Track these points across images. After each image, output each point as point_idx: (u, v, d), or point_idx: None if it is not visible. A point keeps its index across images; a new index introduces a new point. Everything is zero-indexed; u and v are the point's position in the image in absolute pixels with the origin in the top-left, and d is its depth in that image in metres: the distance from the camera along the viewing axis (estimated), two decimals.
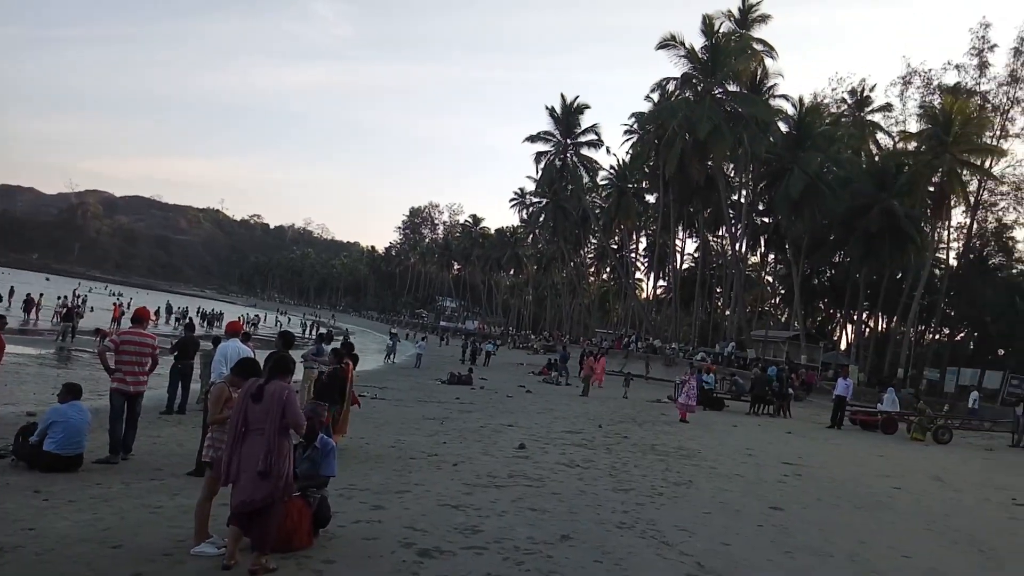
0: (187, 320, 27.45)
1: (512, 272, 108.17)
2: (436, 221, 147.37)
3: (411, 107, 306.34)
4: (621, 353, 53.65)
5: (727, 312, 63.35)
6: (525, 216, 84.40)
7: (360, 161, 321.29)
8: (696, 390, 20.44)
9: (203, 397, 11.32)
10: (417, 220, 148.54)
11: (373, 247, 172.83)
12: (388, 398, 18.73)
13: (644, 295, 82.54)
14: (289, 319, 79.87)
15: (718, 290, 70.64)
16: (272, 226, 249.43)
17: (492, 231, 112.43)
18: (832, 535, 7.72)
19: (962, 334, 60.25)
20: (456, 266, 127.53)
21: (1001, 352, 57.61)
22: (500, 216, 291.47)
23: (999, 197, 50.52)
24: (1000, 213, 51.65)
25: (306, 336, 48.36)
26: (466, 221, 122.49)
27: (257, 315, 68.00)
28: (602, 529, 7.05)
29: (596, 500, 8.35)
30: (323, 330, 38.86)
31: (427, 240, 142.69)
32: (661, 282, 76.52)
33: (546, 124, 66.04)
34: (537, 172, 67.81)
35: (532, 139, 65.53)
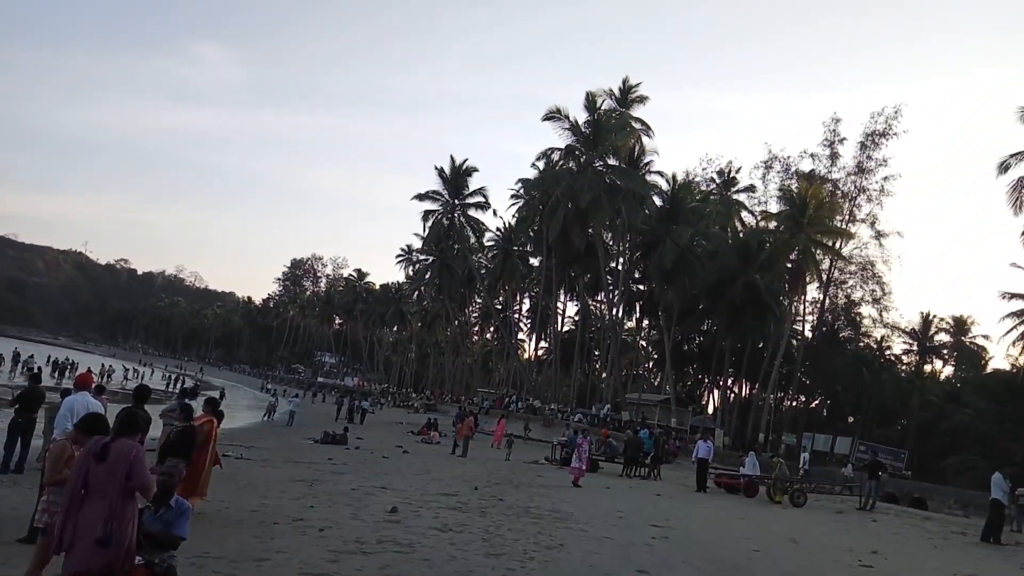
0: (33, 369, 25.10)
1: (396, 328, 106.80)
2: (319, 274, 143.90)
3: (297, 157, 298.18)
4: (501, 412, 53.67)
5: (604, 375, 65.04)
6: (411, 273, 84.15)
7: (240, 210, 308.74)
8: (586, 452, 20.44)
9: (44, 455, 10.34)
10: (299, 272, 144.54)
11: (250, 298, 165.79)
12: (255, 458, 17.80)
13: (526, 355, 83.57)
14: (152, 371, 74.91)
15: (596, 353, 72.62)
16: (140, 272, 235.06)
17: (377, 286, 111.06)
18: None
19: (816, 401, 64.60)
20: (338, 320, 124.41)
21: (851, 419, 62.09)
22: (385, 271, 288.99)
23: (848, 276, 55.28)
24: (849, 290, 56.44)
25: (169, 390, 45.38)
26: (350, 275, 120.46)
27: (111, 366, 63.06)
28: None
29: (467, 566, 8.21)
30: (188, 384, 36.69)
31: (308, 292, 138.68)
32: (542, 343, 77.82)
33: (435, 183, 66.75)
34: (424, 230, 68.04)
35: (420, 197, 65.91)
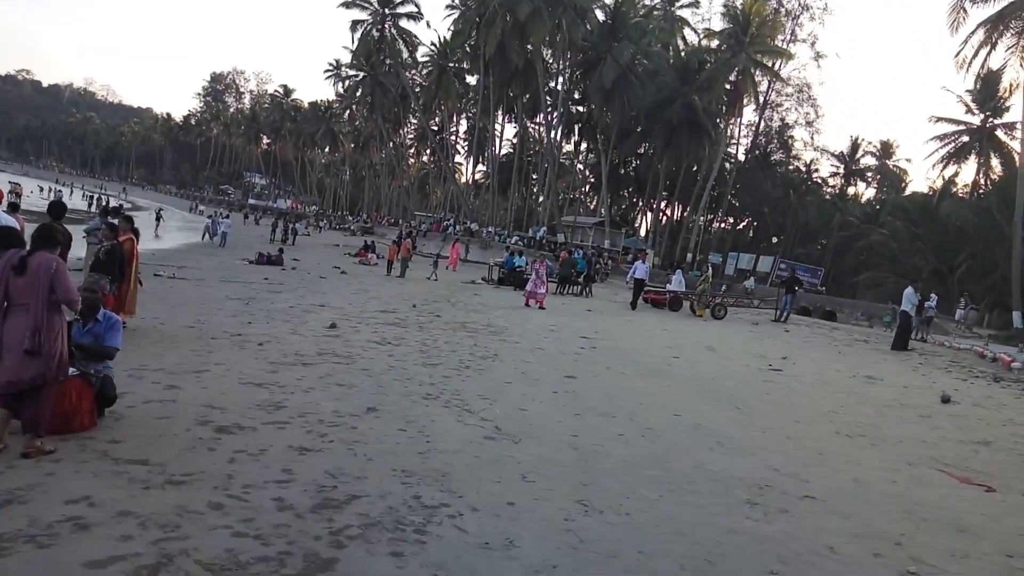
0: None
1: (328, 150, 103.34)
2: (242, 89, 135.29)
3: None
4: (439, 236, 54.05)
5: (541, 198, 65.37)
6: (341, 90, 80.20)
7: (155, 17, 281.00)
8: (544, 276, 20.27)
9: None
10: (220, 87, 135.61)
11: (169, 114, 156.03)
12: (188, 278, 17.60)
13: (463, 179, 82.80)
14: (72, 191, 71.51)
15: (534, 176, 72.46)
16: (45, 84, 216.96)
17: (305, 104, 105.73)
18: (617, 399, 8.54)
19: (744, 223, 67.00)
20: (265, 140, 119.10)
21: (775, 240, 64.95)
22: (314, 88, 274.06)
23: (784, 98, 55.40)
24: (784, 113, 56.83)
25: (90, 211, 43.67)
26: (276, 91, 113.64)
27: (17, 184, 59.42)
28: (408, 400, 7.29)
29: (405, 374, 8.56)
30: (112, 204, 35.31)
31: (232, 110, 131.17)
32: (480, 167, 76.97)
33: None
34: (353, 42, 63.97)
35: (347, 4, 61.18)
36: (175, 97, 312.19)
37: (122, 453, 4.84)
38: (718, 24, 51.52)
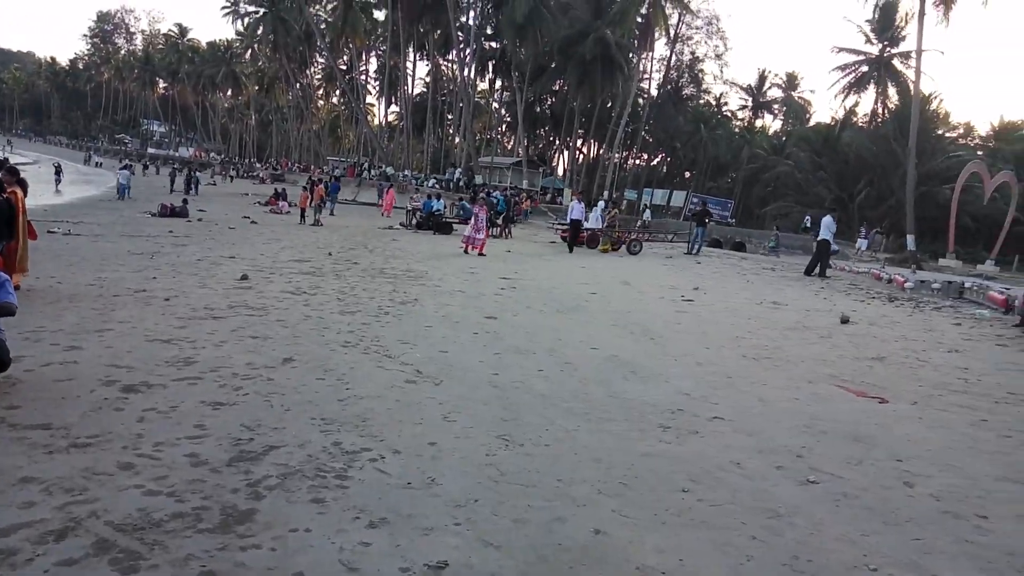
0: None
1: (230, 93, 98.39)
2: (132, 29, 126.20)
3: None
4: (354, 181, 52.77)
5: (457, 139, 64.46)
6: (241, 28, 76.04)
7: None
8: (485, 222, 19.59)
9: None
10: (108, 27, 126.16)
11: (53, 58, 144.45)
12: (85, 233, 16.66)
13: (376, 121, 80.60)
14: None
15: (449, 117, 71.21)
16: None
17: (203, 44, 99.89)
18: (536, 336, 8.68)
19: (658, 159, 68.06)
20: (162, 84, 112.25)
21: (687, 175, 66.38)
22: (212, 27, 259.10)
23: (694, 31, 55.83)
24: (694, 46, 57.37)
25: None
26: (170, 31, 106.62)
27: None
28: (326, 349, 7.20)
29: (322, 324, 8.43)
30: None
31: (123, 52, 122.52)
32: (393, 108, 74.94)
33: None
34: None
35: None
36: (59, 39, 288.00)
37: (21, 418, 4.62)
38: None
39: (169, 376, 5.80)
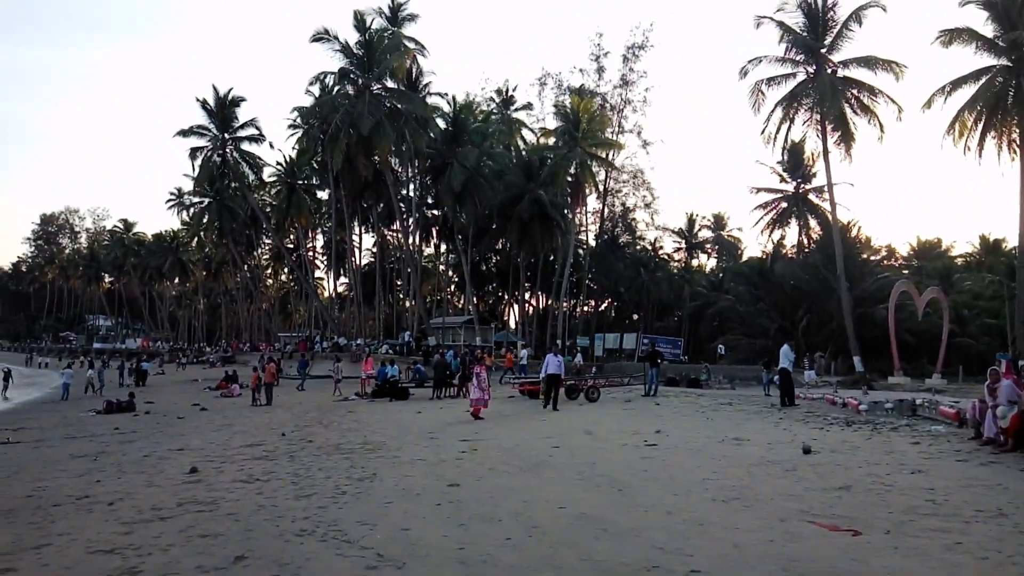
0: None
1: (177, 281, 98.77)
2: (77, 229, 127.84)
3: (24, 96, 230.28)
4: (307, 355, 52.30)
5: (408, 303, 65.30)
6: (187, 218, 77.71)
7: None
8: (487, 381, 18.83)
9: None
10: (51, 229, 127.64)
11: None
12: (25, 440, 15.95)
13: (326, 293, 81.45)
14: None
15: (399, 283, 72.55)
16: None
17: (149, 236, 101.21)
18: (501, 500, 8.42)
19: (605, 304, 69.81)
20: (108, 279, 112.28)
21: (635, 317, 67.93)
22: (157, 219, 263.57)
23: (621, 184, 59.32)
24: (624, 198, 60.72)
25: None
26: (115, 227, 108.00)
27: None
28: (281, 541, 6.83)
29: (276, 512, 8.05)
30: None
31: (67, 251, 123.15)
32: (342, 279, 76.13)
33: (200, 117, 61.10)
34: (194, 169, 62.04)
35: (184, 133, 59.62)
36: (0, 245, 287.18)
37: None
38: (552, 123, 54.91)
39: None
